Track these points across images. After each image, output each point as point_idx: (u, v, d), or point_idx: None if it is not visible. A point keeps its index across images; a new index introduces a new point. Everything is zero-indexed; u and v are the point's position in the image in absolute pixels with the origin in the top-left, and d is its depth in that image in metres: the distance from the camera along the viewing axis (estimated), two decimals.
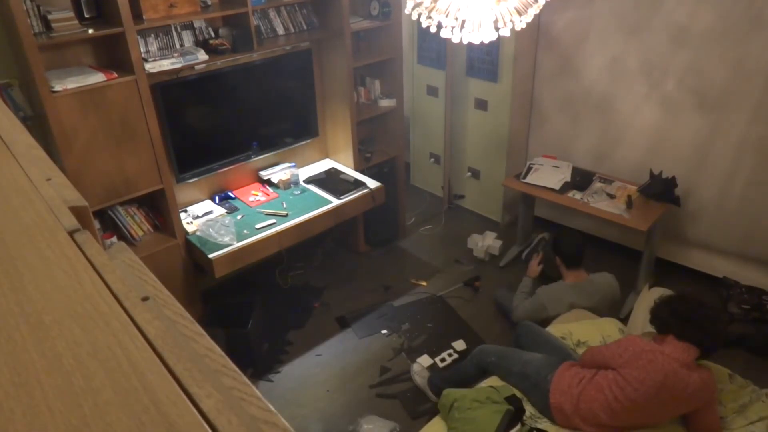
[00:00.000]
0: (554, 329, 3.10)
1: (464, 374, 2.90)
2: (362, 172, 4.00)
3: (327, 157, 4.25)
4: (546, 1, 2.14)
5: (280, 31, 3.64)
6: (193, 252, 3.34)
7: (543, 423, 2.59)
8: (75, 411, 0.38)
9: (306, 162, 4.12)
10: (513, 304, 3.43)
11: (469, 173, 4.70)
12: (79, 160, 2.84)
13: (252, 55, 3.41)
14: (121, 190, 3.06)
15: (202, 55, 3.16)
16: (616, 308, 3.41)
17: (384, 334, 3.61)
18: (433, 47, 4.44)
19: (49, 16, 2.73)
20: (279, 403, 3.11)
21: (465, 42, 2.11)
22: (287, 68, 3.71)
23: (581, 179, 3.81)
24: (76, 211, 0.58)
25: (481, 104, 4.36)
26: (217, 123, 3.54)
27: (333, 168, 4.09)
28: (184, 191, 3.54)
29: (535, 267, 3.55)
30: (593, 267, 4.08)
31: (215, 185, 3.73)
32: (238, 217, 3.50)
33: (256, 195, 3.71)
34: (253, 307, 3.38)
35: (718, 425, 2.37)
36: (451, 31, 2.09)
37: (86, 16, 2.88)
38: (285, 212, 3.52)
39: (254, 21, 3.31)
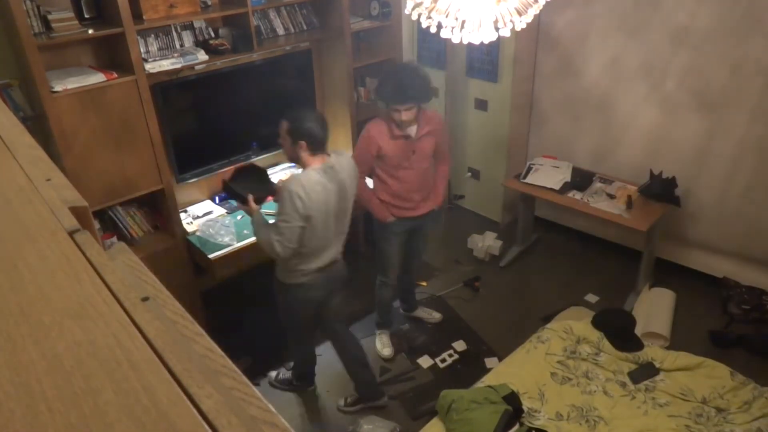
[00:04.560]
0: (556, 326, 3.11)
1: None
2: None
3: None
4: (546, 1, 2.14)
5: (280, 31, 3.64)
6: (193, 252, 3.33)
7: (541, 422, 2.59)
8: (75, 411, 0.38)
9: None
10: (266, 242, 2.55)
11: (469, 173, 4.70)
12: (79, 160, 2.84)
13: (252, 55, 3.41)
14: (121, 191, 3.06)
15: (202, 56, 3.16)
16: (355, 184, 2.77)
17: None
18: (433, 47, 4.44)
19: (49, 17, 2.73)
20: (279, 404, 3.11)
21: (465, 42, 2.11)
22: (287, 68, 3.71)
23: (581, 179, 3.81)
24: (76, 212, 0.58)
25: (481, 104, 4.36)
26: (217, 123, 3.53)
27: None
28: (184, 191, 3.54)
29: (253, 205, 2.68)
30: (594, 268, 4.09)
31: (215, 185, 3.73)
32: (238, 217, 3.50)
33: None
34: (252, 309, 3.38)
35: None
36: (451, 31, 2.08)
37: (86, 16, 2.88)
38: None
39: (254, 21, 3.31)
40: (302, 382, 3.25)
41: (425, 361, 3.39)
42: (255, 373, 3.34)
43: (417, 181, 3.05)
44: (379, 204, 3.08)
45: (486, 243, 4.23)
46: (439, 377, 3.28)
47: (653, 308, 3.52)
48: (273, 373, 3.32)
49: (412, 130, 2.95)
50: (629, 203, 3.52)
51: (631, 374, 2.84)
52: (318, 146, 2.55)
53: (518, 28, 2.09)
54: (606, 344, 2.98)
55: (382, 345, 3.45)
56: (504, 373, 2.87)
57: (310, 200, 2.46)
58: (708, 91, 3.47)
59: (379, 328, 3.51)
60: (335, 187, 2.57)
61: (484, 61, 4.20)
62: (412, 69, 2.96)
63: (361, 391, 3.10)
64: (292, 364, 3.28)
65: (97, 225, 3.06)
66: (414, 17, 2.13)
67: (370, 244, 4.35)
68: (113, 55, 2.98)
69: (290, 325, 2.97)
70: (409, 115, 2.86)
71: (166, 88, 3.15)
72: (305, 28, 3.73)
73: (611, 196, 3.64)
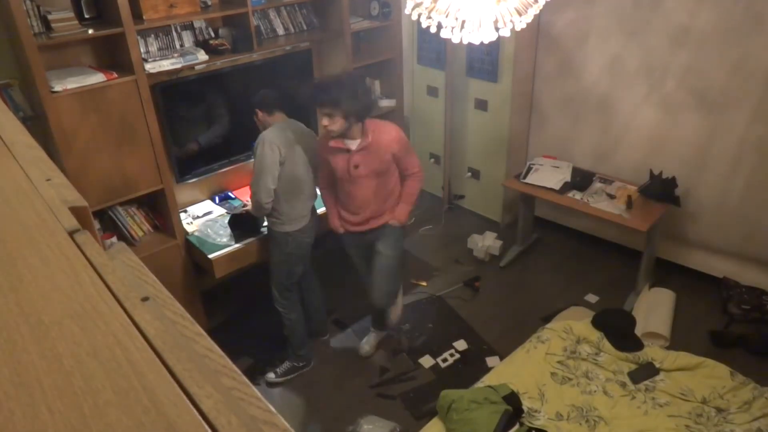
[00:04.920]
0: (556, 326, 3.11)
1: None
2: None
3: None
4: (546, 1, 2.14)
5: (280, 31, 3.64)
6: (193, 252, 3.33)
7: (541, 422, 2.59)
8: (75, 411, 0.38)
9: None
10: (256, 206, 2.98)
11: (469, 173, 4.70)
12: (79, 160, 2.84)
13: (252, 55, 3.41)
14: (121, 191, 3.06)
15: (202, 56, 3.16)
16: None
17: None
18: (433, 47, 4.44)
19: (49, 17, 2.73)
20: (279, 404, 3.11)
21: (465, 42, 2.11)
22: (287, 68, 3.71)
23: (581, 179, 3.81)
24: (76, 212, 0.58)
25: (481, 104, 4.36)
26: (217, 123, 3.53)
27: None
28: (184, 191, 3.54)
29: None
30: (594, 268, 4.09)
31: (215, 185, 3.73)
32: None
33: None
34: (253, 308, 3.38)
35: None
36: (451, 31, 2.08)
37: (86, 16, 2.88)
38: None
39: (254, 21, 3.31)
40: (304, 359, 3.33)
41: (427, 361, 3.38)
42: (255, 373, 3.34)
43: (364, 198, 2.89)
44: (335, 213, 3.05)
45: (486, 243, 4.23)
46: (441, 377, 3.28)
47: (653, 308, 3.51)
48: (270, 375, 3.30)
49: (354, 143, 2.77)
50: (629, 203, 3.52)
51: (631, 374, 2.84)
52: (270, 106, 2.96)
53: (518, 28, 2.09)
54: (606, 344, 2.98)
55: (366, 341, 3.47)
56: (504, 373, 2.87)
57: (282, 143, 2.83)
58: (708, 91, 3.47)
59: (371, 327, 3.52)
60: (301, 131, 2.98)
61: (484, 61, 4.20)
62: (348, 75, 3.01)
63: (294, 354, 3.30)
64: (288, 351, 3.33)
65: (97, 225, 3.06)
66: (414, 17, 2.13)
67: None
68: (113, 55, 2.98)
69: (281, 279, 3.11)
70: (327, 121, 2.66)
71: (166, 88, 3.15)
72: (305, 28, 3.73)
73: (611, 196, 3.64)
